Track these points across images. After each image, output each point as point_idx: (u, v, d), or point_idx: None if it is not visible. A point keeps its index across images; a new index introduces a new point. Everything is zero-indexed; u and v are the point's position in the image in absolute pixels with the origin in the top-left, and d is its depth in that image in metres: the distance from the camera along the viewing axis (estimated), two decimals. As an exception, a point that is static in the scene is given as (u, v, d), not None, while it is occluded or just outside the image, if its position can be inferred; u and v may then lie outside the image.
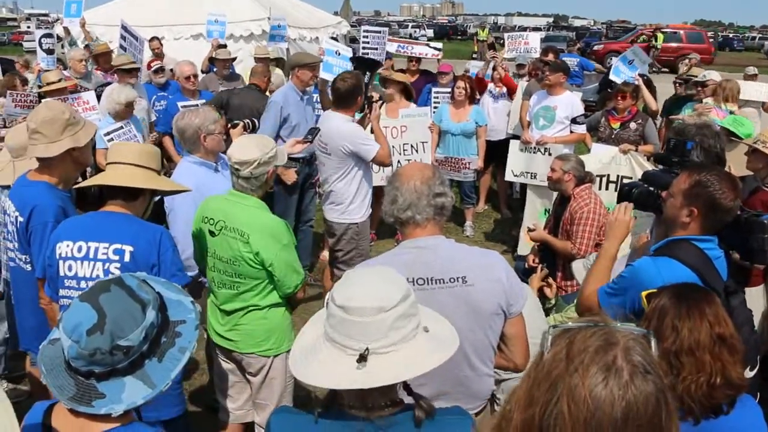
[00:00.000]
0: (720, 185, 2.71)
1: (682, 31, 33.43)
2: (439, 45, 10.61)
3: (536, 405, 1.36)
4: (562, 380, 1.33)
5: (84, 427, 1.77)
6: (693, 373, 2.03)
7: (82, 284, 3.07)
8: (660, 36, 26.69)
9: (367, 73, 5.41)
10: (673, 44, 31.95)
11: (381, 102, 5.12)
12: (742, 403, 2.06)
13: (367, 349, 1.70)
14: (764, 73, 14.88)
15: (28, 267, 3.61)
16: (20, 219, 3.50)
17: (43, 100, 6.44)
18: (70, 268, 3.13)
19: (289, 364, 1.91)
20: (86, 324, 1.71)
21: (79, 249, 3.10)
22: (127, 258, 3.05)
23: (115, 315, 1.73)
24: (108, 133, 6.36)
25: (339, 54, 7.74)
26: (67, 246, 3.12)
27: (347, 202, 5.33)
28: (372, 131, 5.50)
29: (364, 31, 8.07)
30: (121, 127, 6.64)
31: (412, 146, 8.03)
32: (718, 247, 2.84)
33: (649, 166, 6.86)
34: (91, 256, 3.09)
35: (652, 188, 3.31)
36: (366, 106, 5.51)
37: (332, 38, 10.34)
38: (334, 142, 5.18)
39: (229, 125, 5.23)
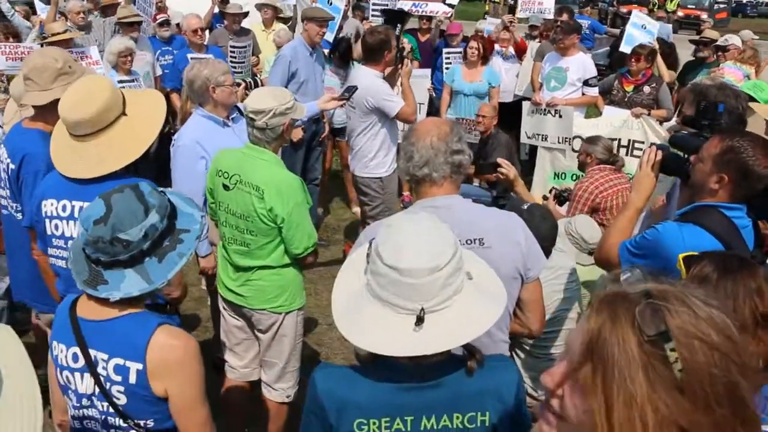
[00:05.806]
0: (754, 152, 2.56)
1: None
2: (455, 1, 10.19)
3: None
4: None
5: (102, 313, 2.10)
6: None
7: (70, 244, 2.97)
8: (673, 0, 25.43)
9: (398, 25, 5.28)
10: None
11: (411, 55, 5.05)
12: None
13: (422, 309, 1.66)
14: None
15: (19, 216, 3.50)
16: (11, 166, 3.41)
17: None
18: (56, 227, 3.06)
19: (336, 323, 1.82)
20: (94, 216, 2.02)
21: (64, 208, 3.02)
22: None
23: (119, 211, 2.02)
24: (121, 82, 6.35)
25: (331, 4, 7.51)
26: (52, 204, 3.04)
27: (370, 157, 5.37)
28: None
29: None
30: (134, 80, 6.65)
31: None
32: (747, 215, 2.72)
33: (662, 131, 6.76)
34: (76, 215, 3.00)
35: (679, 152, 3.18)
36: (398, 61, 5.42)
37: None
38: (358, 96, 5.14)
39: None
